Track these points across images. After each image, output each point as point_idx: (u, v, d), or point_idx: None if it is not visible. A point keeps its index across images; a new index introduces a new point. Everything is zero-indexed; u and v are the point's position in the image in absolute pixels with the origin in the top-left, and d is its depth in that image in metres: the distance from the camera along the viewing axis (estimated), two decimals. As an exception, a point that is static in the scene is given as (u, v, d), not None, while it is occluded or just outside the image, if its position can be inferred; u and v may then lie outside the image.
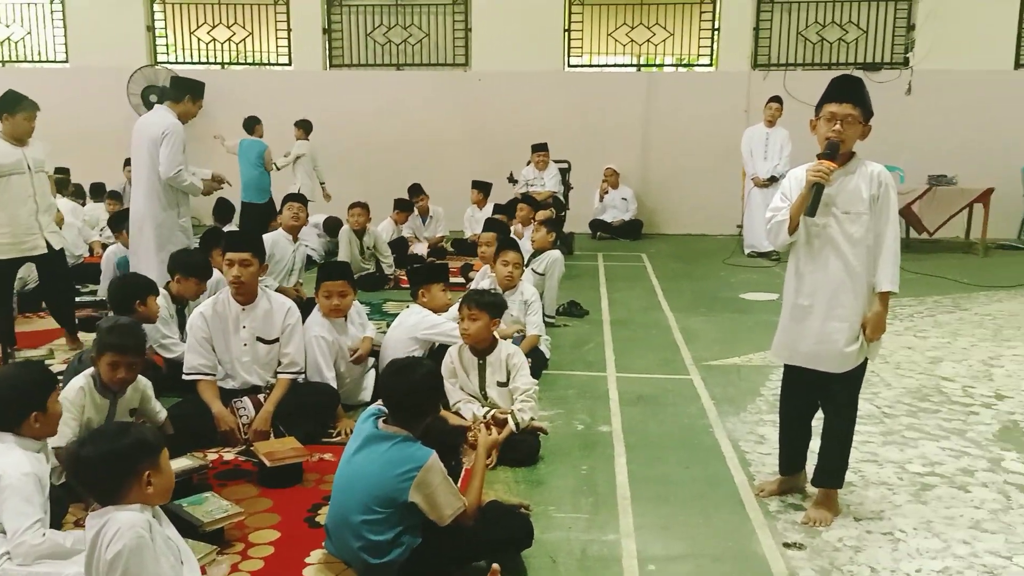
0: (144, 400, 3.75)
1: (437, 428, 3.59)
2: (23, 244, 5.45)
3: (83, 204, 9.83)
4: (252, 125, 10.33)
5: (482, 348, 4.19)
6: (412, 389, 2.93)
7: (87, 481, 2.34)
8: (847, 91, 3.24)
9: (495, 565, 2.80)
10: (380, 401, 3.07)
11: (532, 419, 4.01)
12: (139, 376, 3.68)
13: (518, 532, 3.02)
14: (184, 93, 5.83)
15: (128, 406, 3.66)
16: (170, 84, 6.08)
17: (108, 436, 2.34)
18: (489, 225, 6.75)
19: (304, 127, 10.81)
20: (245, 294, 4.29)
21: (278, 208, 7.49)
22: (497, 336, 4.29)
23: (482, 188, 9.88)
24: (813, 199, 3.19)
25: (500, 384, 4.16)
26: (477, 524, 2.93)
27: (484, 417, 3.99)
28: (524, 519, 3.15)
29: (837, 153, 3.21)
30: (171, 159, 5.69)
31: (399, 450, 2.85)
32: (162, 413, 3.88)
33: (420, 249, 9.40)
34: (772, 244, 3.44)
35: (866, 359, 3.34)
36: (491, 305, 4.17)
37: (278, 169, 10.25)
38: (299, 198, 7.03)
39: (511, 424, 3.90)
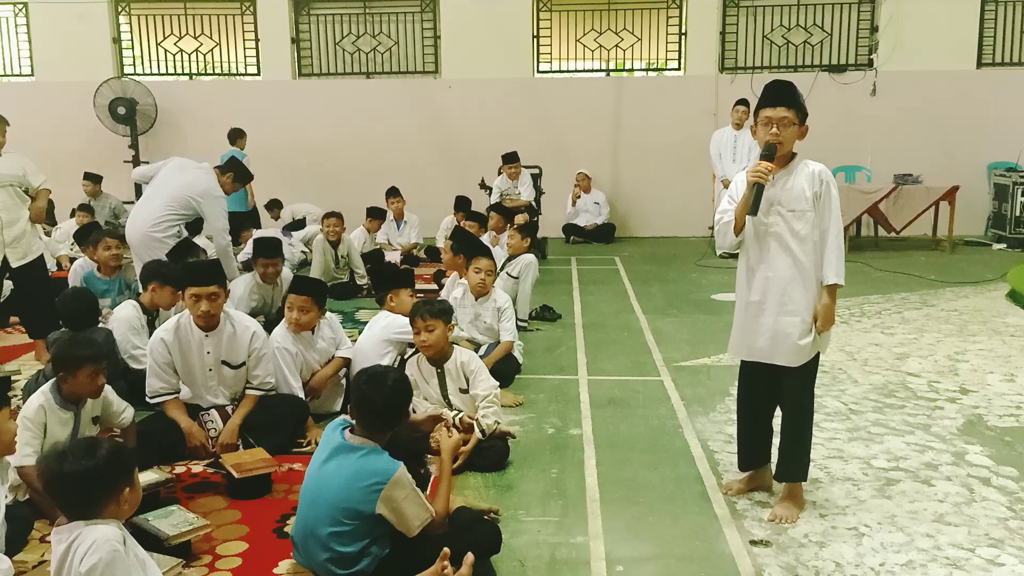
0: (106, 405, 3.71)
1: (403, 435, 3.58)
2: None
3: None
4: (235, 137, 10.44)
5: (438, 357, 4.20)
6: (384, 397, 2.92)
7: (67, 496, 2.32)
8: (779, 95, 3.33)
9: (445, 549, 2.78)
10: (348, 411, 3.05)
11: (497, 423, 4.02)
12: None
13: (486, 539, 3.02)
14: (230, 171, 6.37)
15: (90, 415, 3.63)
16: (227, 161, 6.64)
17: (88, 451, 2.31)
18: (453, 234, 6.76)
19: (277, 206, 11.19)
20: (210, 325, 4.19)
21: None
22: (452, 343, 4.31)
23: (466, 207, 9.69)
24: (754, 199, 3.29)
25: (462, 391, 4.18)
26: (445, 532, 2.94)
27: (452, 419, 3.99)
28: (492, 525, 3.16)
29: (775, 154, 3.32)
30: (221, 231, 6.22)
31: (366, 462, 2.83)
32: (128, 412, 3.81)
33: (393, 256, 9.38)
34: (721, 245, 3.53)
35: (818, 352, 3.42)
36: (444, 312, 4.20)
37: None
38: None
39: (476, 431, 3.90)
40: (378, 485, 2.77)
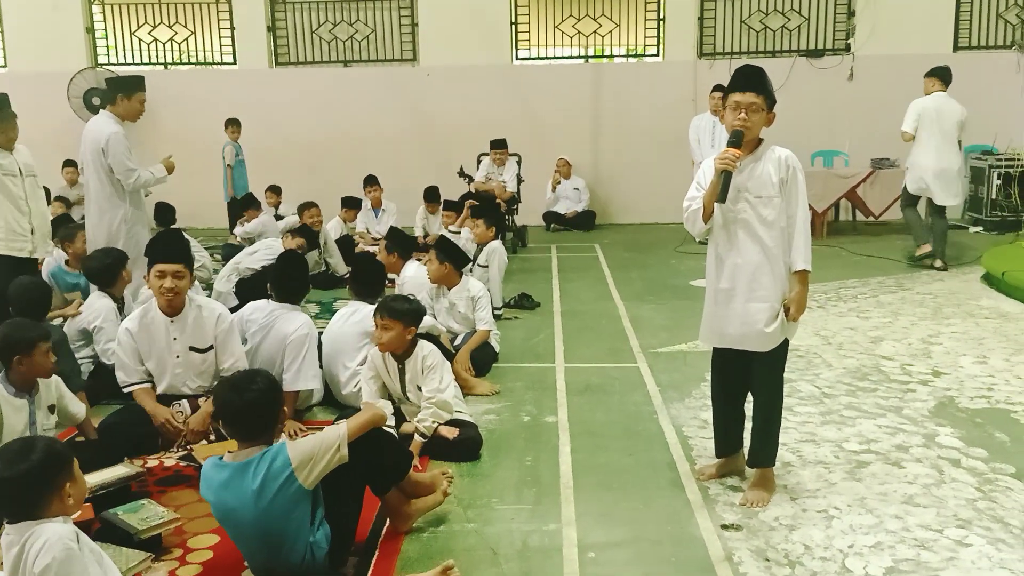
0: (59, 395, 3.70)
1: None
2: (13, 244, 5.31)
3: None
4: (227, 125, 10.55)
5: (400, 353, 4.07)
6: (250, 403, 2.77)
7: (5, 502, 2.29)
8: (749, 81, 3.32)
9: (449, 561, 2.88)
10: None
11: (436, 423, 3.92)
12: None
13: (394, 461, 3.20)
14: (116, 93, 5.73)
15: (46, 403, 3.62)
16: (105, 86, 5.96)
17: (20, 454, 2.28)
18: (388, 234, 6.57)
19: (276, 192, 10.90)
20: (174, 306, 4.15)
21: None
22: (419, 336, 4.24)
23: (435, 198, 9.61)
24: (723, 186, 3.27)
25: (420, 388, 4.06)
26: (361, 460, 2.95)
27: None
28: (400, 455, 3.27)
29: (742, 141, 3.30)
30: (121, 169, 5.65)
31: (264, 473, 2.73)
32: (80, 408, 3.81)
33: (372, 247, 9.33)
34: (691, 232, 3.51)
35: (786, 339, 3.43)
36: (406, 313, 3.98)
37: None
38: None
39: (417, 436, 3.86)
40: (290, 476, 2.73)
